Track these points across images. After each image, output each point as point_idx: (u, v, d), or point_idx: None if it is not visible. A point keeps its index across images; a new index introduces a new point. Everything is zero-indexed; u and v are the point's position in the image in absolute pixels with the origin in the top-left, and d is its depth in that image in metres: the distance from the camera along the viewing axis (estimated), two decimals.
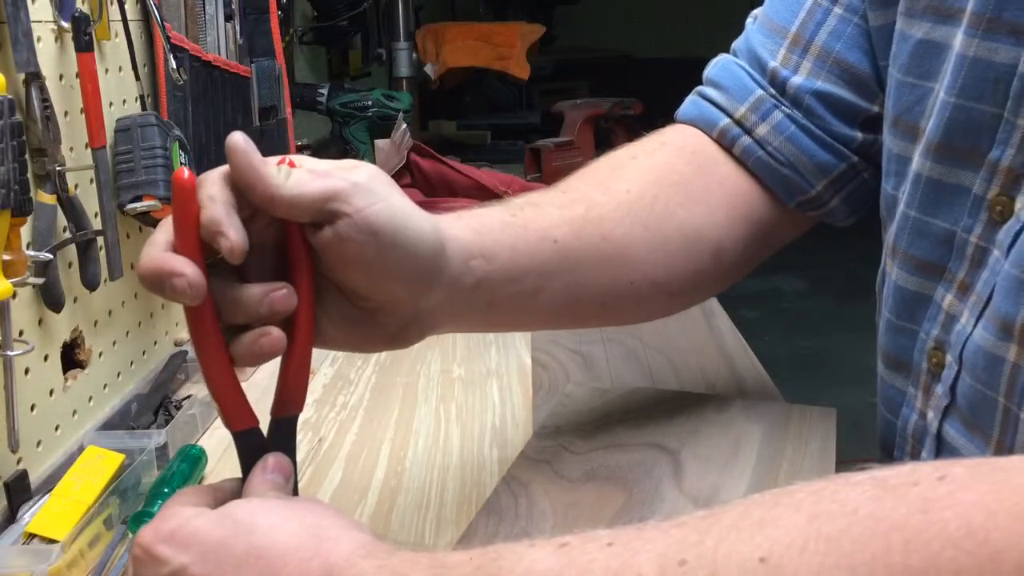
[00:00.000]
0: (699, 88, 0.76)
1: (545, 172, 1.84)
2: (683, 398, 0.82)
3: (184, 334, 0.98)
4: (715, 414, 0.78)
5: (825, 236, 1.04)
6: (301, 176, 0.48)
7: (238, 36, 1.15)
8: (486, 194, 1.38)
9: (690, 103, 0.76)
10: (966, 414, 0.56)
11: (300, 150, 1.44)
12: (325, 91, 1.68)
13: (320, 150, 1.75)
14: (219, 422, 0.85)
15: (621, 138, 2.02)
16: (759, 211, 0.72)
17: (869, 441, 1.05)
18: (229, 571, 0.43)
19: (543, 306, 0.62)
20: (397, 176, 1.37)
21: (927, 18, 0.58)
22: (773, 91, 0.71)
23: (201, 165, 1.00)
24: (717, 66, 0.75)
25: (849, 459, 0.97)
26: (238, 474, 0.76)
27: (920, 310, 0.60)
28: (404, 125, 1.42)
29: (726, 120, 0.72)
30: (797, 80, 0.69)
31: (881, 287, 0.65)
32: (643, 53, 5.32)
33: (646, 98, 2.05)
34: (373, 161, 1.63)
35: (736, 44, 0.76)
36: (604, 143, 1.99)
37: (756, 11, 0.76)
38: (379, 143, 1.42)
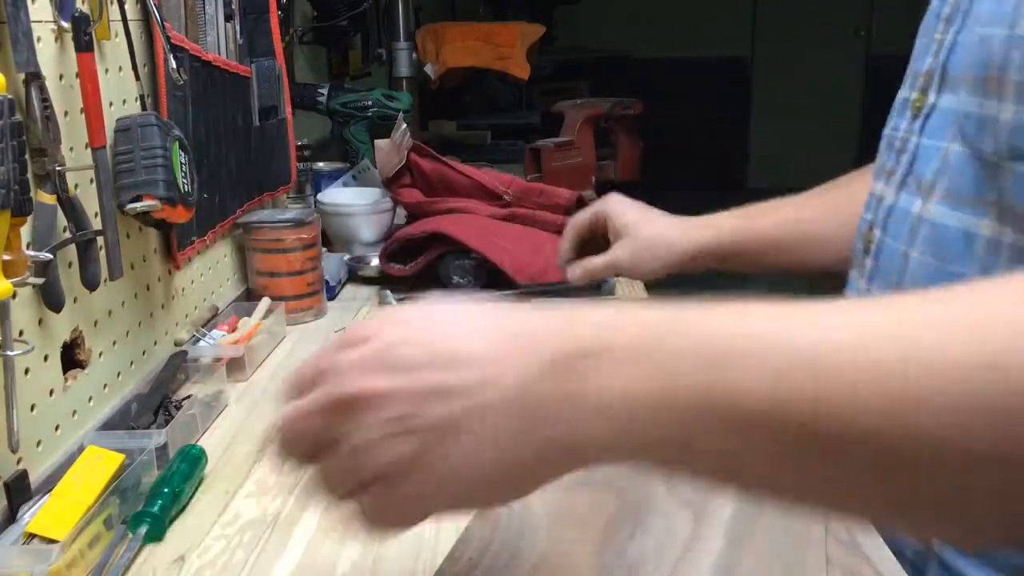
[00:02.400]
0: None
1: (545, 172, 1.84)
2: None
3: (184, 334, 0.98)
4: None
5: None
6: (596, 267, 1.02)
7: (238, 36, 1.15)
8: (486, 193, 1.38)
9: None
10: (883, 272, 0.68)
11: (300, 150, 1.44)
12: (325, 91, 1.68)
13: (320, 150, 1.75)
14: (219, 422, 0.85)
15: (621, 138, 2.02)
16: None
17: None
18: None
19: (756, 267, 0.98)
20: (397, 176, 1.37)
21: None
22: None
23: (201, 165, 1.00)
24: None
25: None
26: (239, 475, 0.76)
27: (868, 203, 0.74)
28: (404, 125, 1.42)
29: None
30: None
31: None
32: (643, 53, 5.32)
33: (646, 98, 2.06)
34: (373, 161, 1.63)
35: None
36: (604, 143, 2.00)
37: None
38: (379, 143, 1.42)
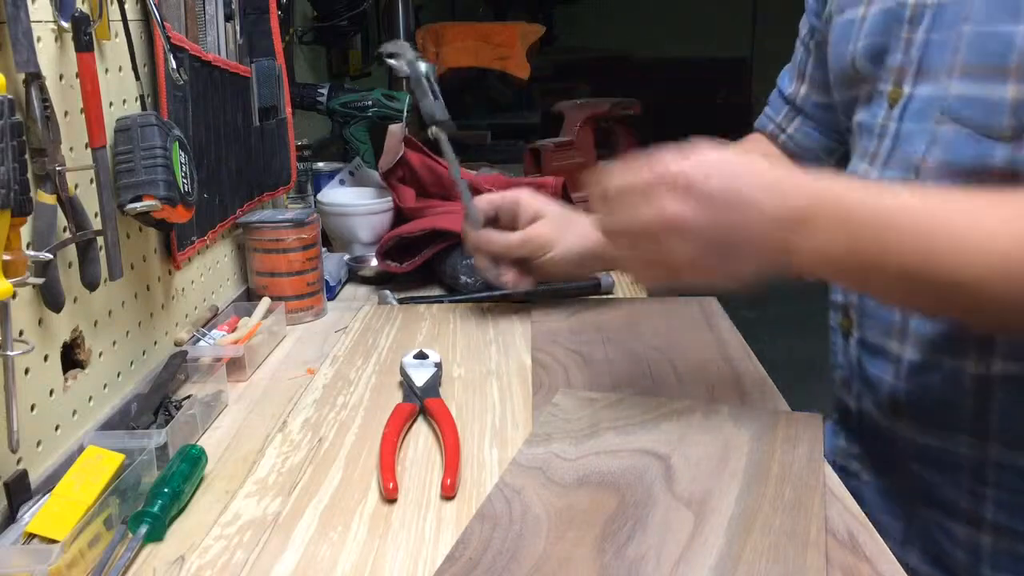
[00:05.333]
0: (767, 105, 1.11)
1: (545, 172, 1.84)
2: (670, 405, 0.82)
3: (184, 334, 0.98)
4: (703, 420, 0.78)
5: None
6: (510, 240, 1.01)
7: (238, 36, 1.15)
8: (475, 193, 1.39)
9: (759, 118, 1.12)
10: None
11: (300, 150, 1.44)
12: (325, 91, 1.68)
13: (320, 150, 1.75)
14: (219, 422, 0.85)
15: (621, 138, 2.02)
16: None
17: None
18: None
19: None
20: (395, 169, 1.37)
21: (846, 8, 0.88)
22: (791, 106, 1.06)
23: (201, 165, 1.00)
24: (770, 97, 1.10)
25: None
26: (239, 475, 0.76)
27: None
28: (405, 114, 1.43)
29: (772, 125, 1.08)
30: (799, 99, 1.05)
31: None
32: (643, 53, 5.32)
33: (646, 98, 2.05)
34: (373, 158, 1.63)
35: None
36: (604, 143, 1.99)
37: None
38: (392, 127, 1.41)
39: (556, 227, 1.00)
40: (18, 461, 0.68)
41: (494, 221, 1.04)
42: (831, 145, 1.02)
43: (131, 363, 0.88)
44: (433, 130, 1.06)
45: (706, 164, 0.66)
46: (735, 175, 0.65)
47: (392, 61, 1.08)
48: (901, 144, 0.78)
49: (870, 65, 0.83)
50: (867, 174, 0.82)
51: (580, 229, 1.00)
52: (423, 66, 1.06)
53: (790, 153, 1.06)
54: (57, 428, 0.74)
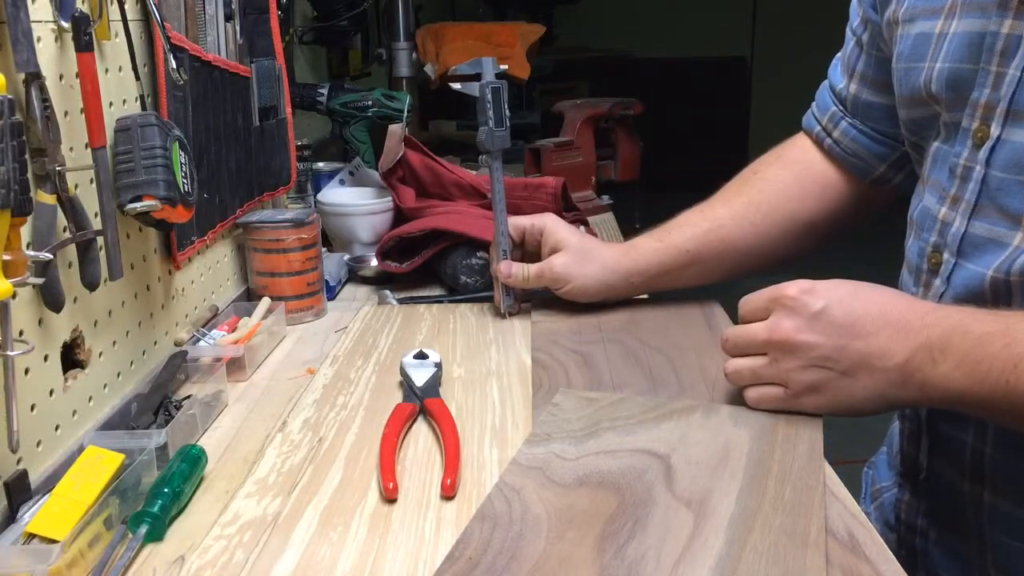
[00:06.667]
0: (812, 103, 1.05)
1: (545, 172, 1.84)
2: (670, 405, 0.82)
3: (184, 334, 0.98)
4: (703, 420, 0.78)
5: None
6: (529, 273, 1.05)
7: (238, 36, 1.15)
8: (470, 191, 1.39)
9: (806, 114, 1.04)
10: (960, 294, 0.74)
11: (300, 150, 1.44)
12: (325, 91, 1.68)
13: (320, 150, 1.75)
14: (219, 422, 0.85)
15: (621, 138, 2.02)
16: (844, 190, 1.00)
17: (869, 441, 1.05)
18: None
19: (681, 283, 1.04)
20: (395, 169, 1.38)
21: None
22: (840, 106, 0.98)
23: (201, 165, 1.00)
24: (820, 87, 1.03)
25: (849, 459, 0.97)
26: (239, 475, 0.76)
27: (926, 224, 0.79)
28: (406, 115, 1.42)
29: (818, 127, 1.01)
30: (850, 97, 0.97)
31: (913, 212, 0.85)
32: (643, 53, 5.33)
33: (646, 98, 2.05)
34: (373, 158, 1.63)
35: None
36: (604, 143, 1.99)
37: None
38: (392, 127, 1.41)
39: (574, 260, 1.02)
40: (18, 461, 0.68)
41: (520, 245, 1.08)
42: (881, 151, 0.95)
43: (131, 363, 0.88)
44: (484, 159, 1.07)
45: (824, 291, 0.72)
46: (853, 306, 0.70)
47: (456, 85, 1.07)
48: (993, 194, 0.71)
49: (949, 94, 0.75)
50: (949, 219, 0.75)
51: (601, 261, 1.02)
52: (501, 89, 1.06)
53: (836, 159, 0.99)
54: (57, 428, 0.74)
